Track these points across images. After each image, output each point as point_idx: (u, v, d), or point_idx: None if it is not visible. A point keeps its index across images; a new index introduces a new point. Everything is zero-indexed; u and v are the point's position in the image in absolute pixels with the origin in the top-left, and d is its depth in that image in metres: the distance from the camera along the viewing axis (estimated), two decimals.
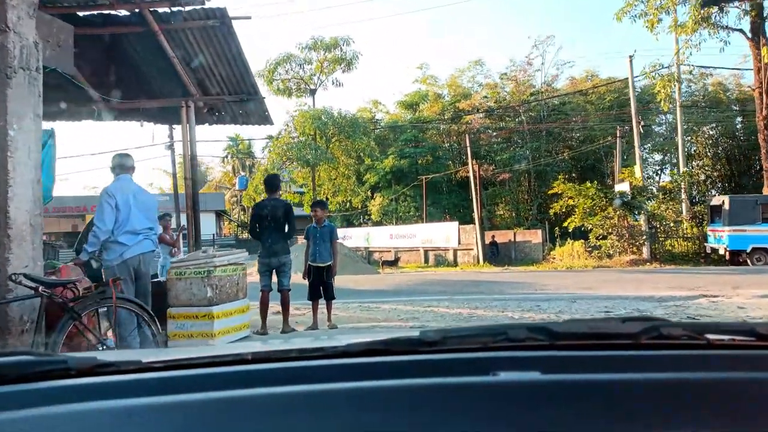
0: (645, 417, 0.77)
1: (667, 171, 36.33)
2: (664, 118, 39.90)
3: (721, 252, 14.52)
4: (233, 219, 35.31)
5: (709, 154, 37.74)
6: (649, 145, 38.37)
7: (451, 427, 0.75)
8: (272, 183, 6.71)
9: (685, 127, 35.26)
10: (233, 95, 7.51)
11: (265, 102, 7.94)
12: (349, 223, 38.24)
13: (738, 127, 40.10)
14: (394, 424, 0.76)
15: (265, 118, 8.59)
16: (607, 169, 35.74)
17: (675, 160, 38.01)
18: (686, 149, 37.83)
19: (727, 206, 14.29)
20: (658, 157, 40.77)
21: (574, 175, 32.83)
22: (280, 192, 6.75)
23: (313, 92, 19.46)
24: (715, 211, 15.41)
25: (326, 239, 6.81)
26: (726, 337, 1.01)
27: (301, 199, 20.58)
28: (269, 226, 6.35)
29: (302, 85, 19.45)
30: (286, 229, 6.48)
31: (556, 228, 25.69)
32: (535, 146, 33.74)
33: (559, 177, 34.45)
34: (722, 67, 35.31)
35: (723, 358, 0.94)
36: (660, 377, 0.84)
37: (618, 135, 23.09)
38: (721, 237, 14.64)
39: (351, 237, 34.74)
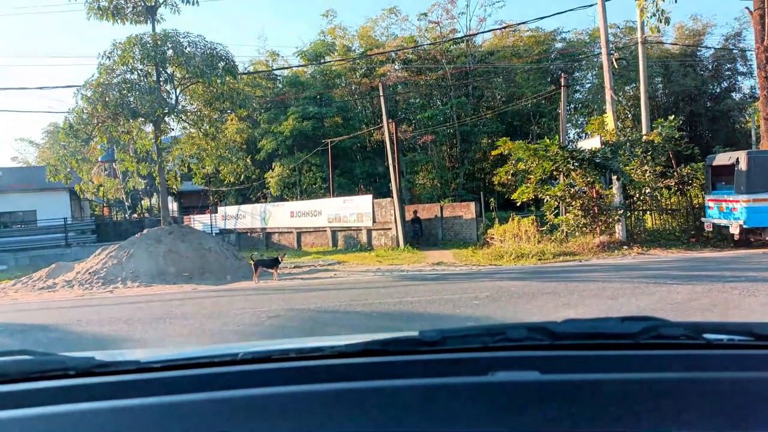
0: (644, 417, 0.76)
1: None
2: (589, 76, 37.30)
3: (733, 230, 10.42)
4: (94, 199, 28.17)
5: (629, 115, 35.33)
6: (571, 106, 35.66)
7: (451, 426, 0.75)
8: None
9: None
10: None
11: None
12: (245, 198, 32.16)
13: (659, 88, 38.88)
14: (393, 424, 0.75)
15: None
16: (534, 129, 32.44)
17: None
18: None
19: (744, 166, 10.06)
20: (582, 119, 38.43)
21: (495, 139, 28.85)
22: None
23: (151, 10, 13.19)
24: (719, 174, 11.30)
25: None
26: (724, 338, 1.00)
27: (138, 168, 14.43)
28: None
29: (139, 3, 13.20)
30: None
31: (492, 199, 21.36)
32: (459, 103, 29.15)
33: (482, 140, 30.88)
34: None
35: (721, 358, 0.93)
36: (659, 377, 0.83)
37: (563, 84, 18.78)
38: (732, 210, 10.52)
39: (245, 216, 28.79)
